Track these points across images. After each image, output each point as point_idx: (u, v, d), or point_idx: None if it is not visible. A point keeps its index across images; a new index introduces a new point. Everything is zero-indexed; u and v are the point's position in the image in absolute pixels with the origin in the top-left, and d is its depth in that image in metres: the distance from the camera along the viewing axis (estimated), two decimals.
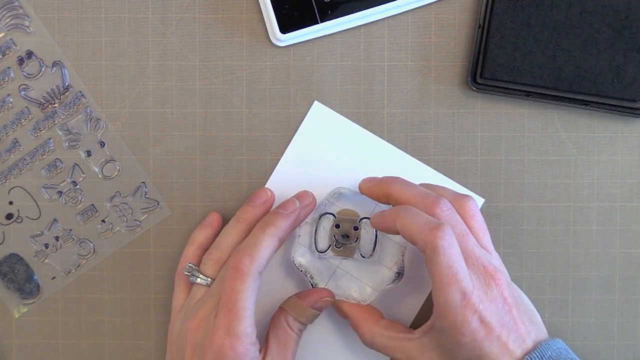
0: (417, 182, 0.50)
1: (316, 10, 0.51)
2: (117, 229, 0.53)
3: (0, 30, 0.52)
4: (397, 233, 0.46)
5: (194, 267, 0.50)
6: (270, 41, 0.53)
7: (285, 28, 0.51)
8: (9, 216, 0.53)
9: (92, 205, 0.53)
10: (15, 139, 0.53)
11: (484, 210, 0.53)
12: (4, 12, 0.52)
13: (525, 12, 0.50)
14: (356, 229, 0.51)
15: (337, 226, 0.52)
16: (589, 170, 0.53)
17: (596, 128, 0.53)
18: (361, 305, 0.50)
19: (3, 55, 0.53)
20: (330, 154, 0.53)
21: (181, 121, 0.53)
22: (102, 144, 0.53)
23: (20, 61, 0.53)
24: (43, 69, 0.53)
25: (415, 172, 0.53)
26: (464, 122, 0.53)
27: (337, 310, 0.51)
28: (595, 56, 0.50)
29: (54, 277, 0.54)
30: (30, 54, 0.52)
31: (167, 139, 0.53)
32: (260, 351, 0.47)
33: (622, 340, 0.53)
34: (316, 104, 0.53)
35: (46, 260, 0.53)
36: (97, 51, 0.53)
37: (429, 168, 0.53)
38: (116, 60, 0.53)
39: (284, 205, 0.49)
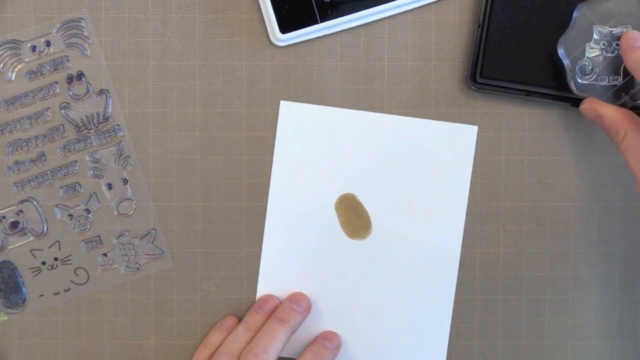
0: (413, 136, 0.50)
1: (316, 10, 0.51)
2: (116, 266, 0.53)
3: (59, 45, 0.52)
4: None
5: None
6: (270, 41, 0.53)
7: (285, 28, 0.51)
8: (15, 225, 0.53)
9: (99, 236, 0.53)
10: (42, 152, 0.53)
11: (484, 209, 0.53)
12: (67, 30, 0.52)
13: (525, 12, 0.50)
14: None
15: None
16: (589, 170, 0.53)
17: (596, 128, 0.53)
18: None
19: (54, 70, 0.52)
20: (319, 144, 0.52)
21: (181, 121, 0.53)
22: (125, 181, 0.53)
23: (69, 80, 0.52)
24: (89, 93, 0.52)
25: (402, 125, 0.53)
26: (464, 122, 0.53)
27: (589, 112, 0.49)
28: None
29: (42, 295, 0.53)
30: (80, 75, 0.52)
31: (167, 139, 0.53)
32: None
33: (622, 340, 0.53)
34: (282, 103, 0.53)
35: (39, 277, 0.53)
36: (97, 51, 0.53)
37: (420, 119, 0.53)
38: (116, 60, 0.53)
39: (297, 301, 0.51)
